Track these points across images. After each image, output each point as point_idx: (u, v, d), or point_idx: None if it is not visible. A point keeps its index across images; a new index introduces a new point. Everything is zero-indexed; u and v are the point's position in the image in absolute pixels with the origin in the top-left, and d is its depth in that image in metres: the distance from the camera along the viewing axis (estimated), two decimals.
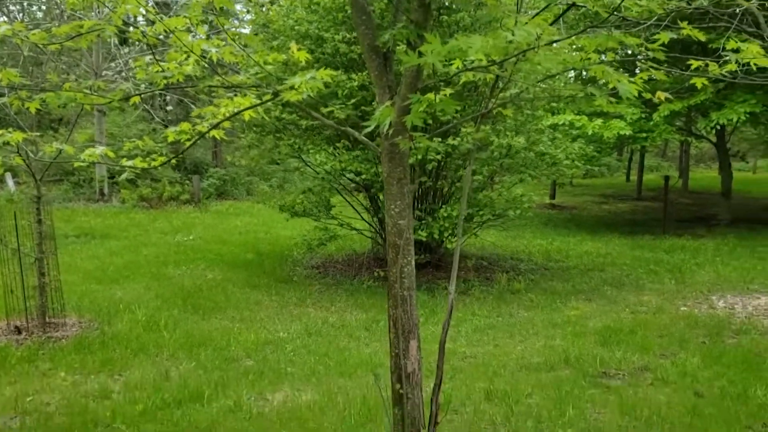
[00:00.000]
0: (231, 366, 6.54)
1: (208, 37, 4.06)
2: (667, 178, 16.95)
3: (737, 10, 5.32)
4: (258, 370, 6.35)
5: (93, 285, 9.89)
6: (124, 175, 4.47)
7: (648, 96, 3.84)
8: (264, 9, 11.51)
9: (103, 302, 8.81)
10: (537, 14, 3.12)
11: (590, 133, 14.19)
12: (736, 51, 3.47)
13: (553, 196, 22.07)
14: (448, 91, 3.75)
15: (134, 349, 6.99)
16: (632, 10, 3.61)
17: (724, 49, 3.49)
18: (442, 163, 9.94)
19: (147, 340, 7.30)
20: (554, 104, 10.84)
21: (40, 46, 4.15)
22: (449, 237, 10.25)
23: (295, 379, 6.17)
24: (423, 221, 9.76)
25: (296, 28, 10.02)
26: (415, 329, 3.63)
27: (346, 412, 5.29)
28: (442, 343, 3.63)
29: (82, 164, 4.43)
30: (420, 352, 3.67)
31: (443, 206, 9.99)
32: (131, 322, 7.92)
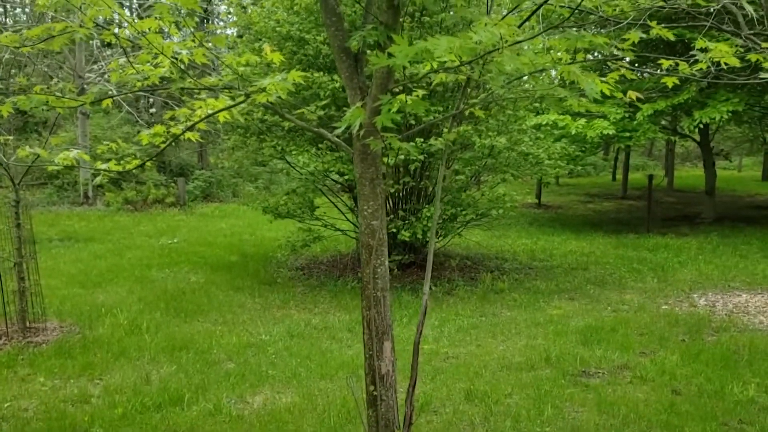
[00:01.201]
0: (212, 369, 6.52)
1: (192, 39, 4.03)
2: (651, 177, 17.04)
3: (712, 9, 5.37)
4: (239, 373, 6.34)
5: (76, 289, 9.83)
6: (98, 179, 4.44)
7: (619, 95, 3.86)
8: (246, 10, 11.49)
9: (85, 306, 8.76)
10: (505, 16, 3.13)
11: (573, 132, 14.24)
12: (705, 50, 3.49)
13: (538, 196, 22.14)
14: (421, 92, 3.77)
15: (115, 353, 6.95)
16: (602, 9, 3.64)
17: (693, 48, 3.51)
18: (426, 164, 9.96)
19: (128, 343, 7.27)
20: (537, 104, 10.87)
21: (13, 48, 4.12)
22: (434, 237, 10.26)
23: (276, 381, 6.16)
24: (407, 221, 9.78)
25: (278, 29, 10.02)
26: (389, 330, 3.63)
27: (326, 414, 5.28)
28: (416, 344, 3.63)
29: (56, 167, 4.39)
30: (394, 354, 3.67)
31: (427, 206, 10.01)
32: (113, 326, 7.88)
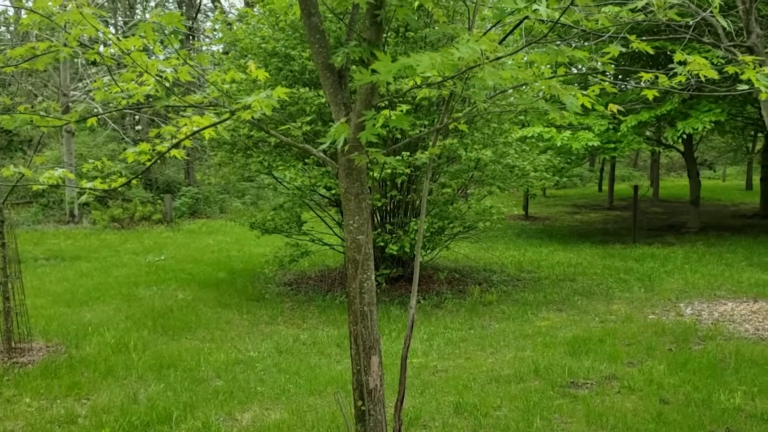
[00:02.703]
0: (200, 387, 6.47)
1: (177, 57, 4.05)
2: (636, 188, 17.18)
3: (690, 22, 5.46)
4: (227, 390, 6.30)
5: (62, 308, 9.76)
6: (83, 197, 4.43)
7: (601, 109, 3.91)
8: (232, 27, 11.53)
9: (72, 325, 8.69)
10: (487, 31, 3.17)
11: (559, 144, 14.35)
12: (683, 63, 3.55)
13: (525, 207, 22.24)
14: (406, 107, 3.80)
15: (102, 372, 6.89)
16: (582, 24, 3.69)
17: (672, 61, 3.57)
18: (413, 177, 10.00)
19: (115, 362, 7.21)
20: (521, 117, 10.96)
21: None
22: (421, 250, 10.28)
23: (265, 398, 6.13)
24: (394, 235, 9.79)
25: (263, 46, 10.06)
26: (376, 345, 3.63)
27: (315, 430, 5.26)
28: (404, 358, 3.64)
29: (41, 186, 4.38)
30: (382, 368, 3.67)
31: (414, 220, 10.03)
32: (100, 345, 7.82)
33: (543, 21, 2.89)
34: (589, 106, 3.53)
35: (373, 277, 3.64)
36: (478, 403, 5.70)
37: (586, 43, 12.85)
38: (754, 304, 9.23)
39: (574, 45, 14.39)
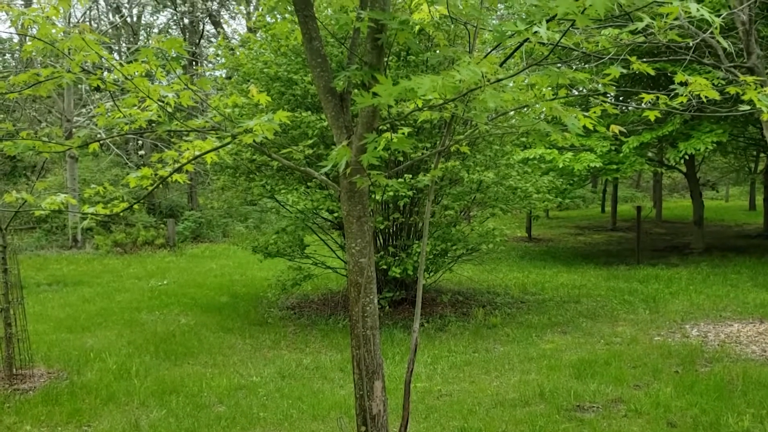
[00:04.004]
0: (202, 413, 6.41)
1: (178, 82, 4.06)
2: (639, 209, 17.15)
3: (690, 43, 5.49)
4: (230, 416, 6.24)
5: (64, 334, 9.71)
6: (85, 222, 4.43)
7: (603, 130, 3.91)
8: (234, 52, 11.62)
9: (74, 351, 8.64)
10: (488, 54, 3.18)
11: (561, 166, 14.37)
12: (684, 84, 3.55)
13: (528, 229, 22.20)
14: (407, 129, 3.80)
15: (104, 399, 6.84)
16: (583, 46, 3.70)
17: (672, 82, 3.57)
18: (415, 200, 9.99)
19: (117, 388, 7.16)
20: (523, 139, 10.99)
21: (0, 94, 4.14)
22: (424, 273, 10.25)
23: (268, 424, 6.07)
24: (397, 258, 9.76)
25: (265, 70, 10.12)
26: (379, 369, 3.60)
27: None
28: (407, 383, 3.60)
29: (44, 212, 4.38)
30: (385, 393, 3.63)
31: (417, 242, 10.01)
32: (102, 371, 7.77)
33: (543, 43, 2.90)
34: (590, 127, 3.53)
35: (375, 301, 3.61)
36: (483, 427, 5.63)
37: (585, 65, 12.91)
38: (760, 325, 9.15)
39: (574, 67, 14.46)
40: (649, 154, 19.34)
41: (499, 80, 2.70)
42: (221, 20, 30.78)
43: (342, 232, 11.03)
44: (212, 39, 30.76)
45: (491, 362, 7.93)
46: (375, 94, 2.77)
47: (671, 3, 2.31)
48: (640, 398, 6.29)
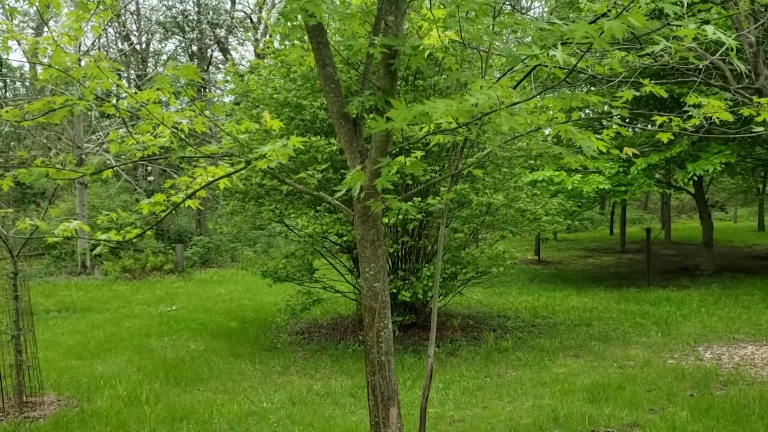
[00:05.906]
0: None
1: (192, 108, 4.08)
2: (648, 230, 17.08)
3: (701, 66, 5.50)
4: None
5: (73, 360, 9.69)
6: (97, 249, 4.43)
7: (615, 152, 3.91)
8: (244, 78, 11.71)
9: (84, 378, 8.61)
10: (500, 78, 3.20)
11: (570, 188, 14.35)
12: (698, 106, 3.55)
13: (537, 252, 22.12)
14: (419, 153, 3.81)
15: (114, 426, 6.79)
16: (593, 69, 3.71)
17: (683, 102, 3.57)
18: (424, 223, 9.98)
19: (127, 415, 7.11)
20: (531, 161, 10.99)
21: (14, 123, 4.18)
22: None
23: None
24: (407, 281, 9.73)
25: (275, 96, 10.19)
26: (394, 396, 3.56)
27: None
28: (423, 409, 3.56)
29: (56, 239, 4.38)
30: (401, 420, 3.59)
31: (426, 265, 9.97)
32: (112, 398, 7.73)
33: (560, 67, 2.91)
34: (604, 149, 3.52)
35: (390, 326, 3.59)
36: None
37: (593, 88, 12.94)
38: None
39: (585, 90, 14.51)
40: (657, 176, 19.30)
41: (514, 104, 2.70)
42: (229, 47, 31.10)
43: (351, 255, 11.01)
44: (220, 66, 31.05)
45: (504, 387, 7.85)
46: (389, 119, 2.78)
47: (686, 26, 2.31)
48: (656, 422, 6.20)
